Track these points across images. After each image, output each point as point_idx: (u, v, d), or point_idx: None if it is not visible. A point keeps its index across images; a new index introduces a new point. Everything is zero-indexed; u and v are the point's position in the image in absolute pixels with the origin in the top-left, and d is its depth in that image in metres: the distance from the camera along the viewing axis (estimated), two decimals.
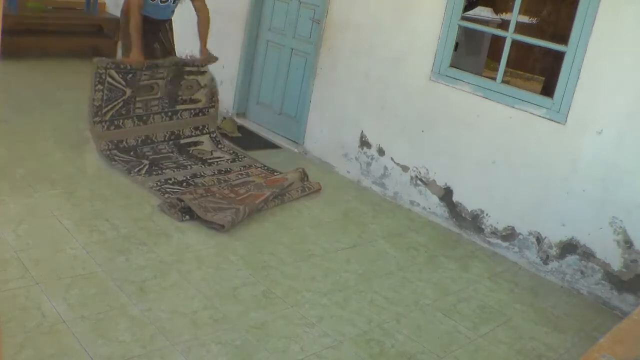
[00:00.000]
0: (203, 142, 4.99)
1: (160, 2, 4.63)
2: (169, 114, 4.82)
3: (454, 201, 4.28)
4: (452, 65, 4.25)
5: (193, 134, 4.97)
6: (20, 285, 2.81)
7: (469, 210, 4.20)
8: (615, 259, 3.55)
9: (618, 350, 1.59)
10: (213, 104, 5.08)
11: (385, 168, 4.69)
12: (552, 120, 3.75)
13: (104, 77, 4.38)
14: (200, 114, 5.02)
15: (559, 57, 3.76)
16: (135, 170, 4.28)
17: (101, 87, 4.38)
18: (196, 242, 3.51)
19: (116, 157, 4.41)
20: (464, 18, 4.27)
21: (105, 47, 7.37)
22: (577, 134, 3.66)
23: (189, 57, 4.84)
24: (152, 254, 3.29)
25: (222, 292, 3.08)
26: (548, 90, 3.96)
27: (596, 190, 3.60)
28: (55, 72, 6.50)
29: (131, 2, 4.46)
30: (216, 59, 4.90)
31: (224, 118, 5.70)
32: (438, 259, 3.87)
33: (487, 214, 4.11)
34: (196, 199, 3.87)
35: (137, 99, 4.61)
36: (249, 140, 5.49)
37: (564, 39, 3.70)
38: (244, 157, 4.98)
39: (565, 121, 3.70)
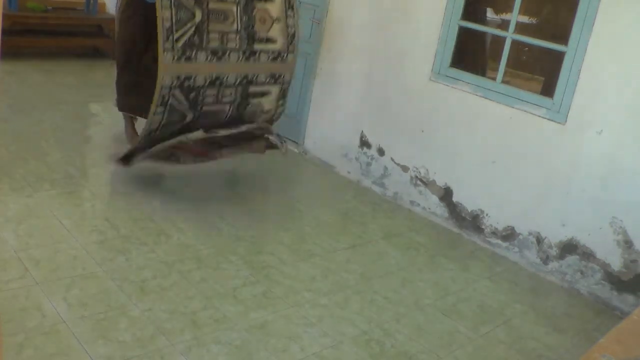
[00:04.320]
0: (271, 93, 4.31)
1: None
2: (247, 53, 4.08)
3: (454, 201, 4.28)
4: (452, 65, 4.25)
5: (267, 81, 4.25)
6: (20, 285, 2.81)
7: (469, 210, 4.20)
8: (615, 259, 3.55)
9: (618, 350, 1.59)
10: (292, 48, 4.32)
11: (385, 168, 4.69)
12: (552, 120, 3.75)
13: None
14: (278, 59, 4.27)
15: (559, 57, 3.76)
16: (154, 127, 3.82)
17: (168, 3, 3.73)
18: (196, 242, 3.51)
19: (170, 100, 3.81)
20: (464, 18, 4.26)
21: (105, 47, 7.38)
22: (577, 134, 3.66)
23: None
24: (152, 254, 3.29)
25: (222, 292, 3.08)
26: (548, 90, 3.95)
27: (596, 190, 3.60)
28: (55, 72, 6.50)
29: None
30: None
31: None
32: (438, 259, 3.87)
33: (487, 214, 4.11)
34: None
35: (210, 27, 3.95)
36: None
37: (564, 39, 3.70)
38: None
39: (565, 121, 3.70)
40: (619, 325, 1.78)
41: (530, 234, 3.91)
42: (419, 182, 4.48)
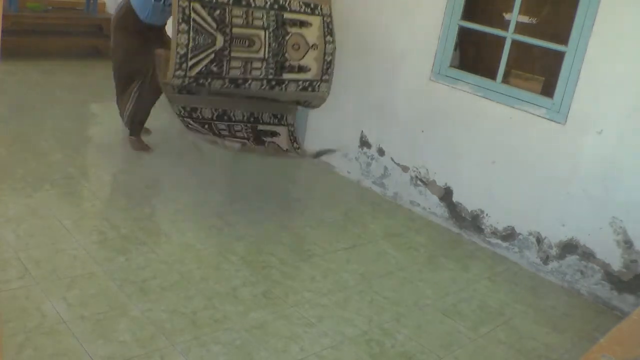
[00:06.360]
0: (280, 134, 4.10)
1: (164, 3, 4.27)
2: (272, 82, 3.77)
3: (454, 201, 4.28)
4: (452, 65, 4.25)
5: (271, 122, 4.03)
6: (20, 285, 2.81)
7: (469, 210, 4.20)
8: (615, 259, 3.55)
9: (618, 350, 1.59)
10: (327, 76, 3.99)
11: (385, 168, 4.69)
12: (552, 121, 3.75)
13: (187, 11, 3.41)
14: (309, 88, 3.94)
15: (559, 57, 3.76)
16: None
17: (186, 28, 3.39)
18: (196, 242, 3.51)
19: (190, 125, 3.68)
20: (464, 18, 4.26)
21: (106, 47, 7.37)
22: (577, 134, 3.66)
23: None
24: (152, 254, 3.30)
25: (222, 292, 3.08)
26: (548, 90, 3.95)
27: (596, 190, 3.60)
28: (55, 72, 6.50)
29: None
30: None
31: None
32: (438, 259, 3.87)
33: (487, 214, 4.11)
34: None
35: (233, 54, 3.59)
36: None
37: (564, 39, 3.70)
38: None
39: (565, 121, 3.70)
40: (619, 326, 1.77)
41: (530, 234, 3.91)
42: (419, 182, 4.48)
